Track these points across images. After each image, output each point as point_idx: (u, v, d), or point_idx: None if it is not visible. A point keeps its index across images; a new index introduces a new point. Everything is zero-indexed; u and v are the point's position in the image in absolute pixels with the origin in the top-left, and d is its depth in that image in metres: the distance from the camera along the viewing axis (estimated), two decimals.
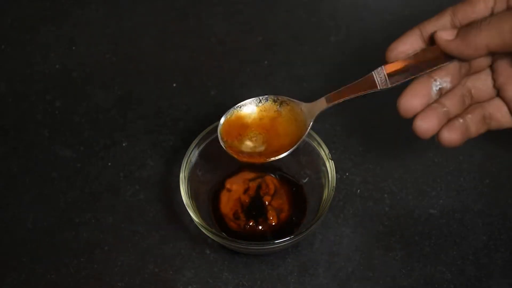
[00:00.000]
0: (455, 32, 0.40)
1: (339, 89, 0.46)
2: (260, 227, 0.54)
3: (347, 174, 0.60)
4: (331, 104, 0.46)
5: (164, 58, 0.70)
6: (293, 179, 0.58)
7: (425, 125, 0.41)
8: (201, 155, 0.56)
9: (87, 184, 0.60)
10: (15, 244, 0.56)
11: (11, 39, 0.72)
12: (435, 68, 0.42)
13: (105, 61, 0.69)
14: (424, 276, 0.54)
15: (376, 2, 0.75)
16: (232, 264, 0.55)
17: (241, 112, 0.50)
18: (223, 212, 0.56)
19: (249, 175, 0.58)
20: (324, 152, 0.54)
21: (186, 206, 0.52)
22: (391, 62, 0.44)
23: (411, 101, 0.41)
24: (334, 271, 0.54)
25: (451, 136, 0.41)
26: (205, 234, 0.52)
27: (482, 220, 0.57)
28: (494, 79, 0.43)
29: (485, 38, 0.38)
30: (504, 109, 0.43)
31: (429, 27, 0.43)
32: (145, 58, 0.70)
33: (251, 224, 0.54)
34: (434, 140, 0.63)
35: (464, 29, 0.39)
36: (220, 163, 0.58)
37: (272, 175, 0.58)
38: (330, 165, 0.53)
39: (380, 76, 0.44)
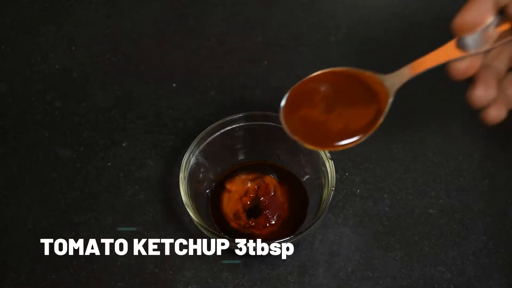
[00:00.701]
0: None
1: (422, 57, 0.41)
2: (260, 227, 0.54)
3: (347, 174, 0.60)
4: (414, 75, 0.42)
5: (164, 58, 0.70)
6: (293, 179, 0.58)
7: (486, 95, 0.39)
8: (201, 155, 0.56)
9: (87, 184, 0.60)
10: (15, 244, 0.56)
11: (11, 39, 0.72)
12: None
13: (105, 61, 0.69)
14: (424, 276, 0.54)
15: (376, 2, 0.75)
16: (232, 264, 0.55)
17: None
18: (223, 212, 0.56)
19: (249, 175, 0.58)
20: (324, 152, 0.54)
21: (186, 206, 0.52)
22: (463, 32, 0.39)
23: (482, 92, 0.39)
24: (334, 271, 0.54)
25: (498, 114, 0.40)
26: (205, 235, 0.52)
27: (482, 220, 0.57)
28: None
29: None
30: None
31: None
32: (145, 58, 0.70)
33: (251, 224, 0.54)
34: (433, 139, 0.63)
35: None
36: (220, 163, 0.58)
37: (272, 175, 0.58)
38: (330, 165, 0.53)
39: (468, 39, 0.40)
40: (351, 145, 0.44)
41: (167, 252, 0.56)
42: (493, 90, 0.39)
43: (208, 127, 0.56)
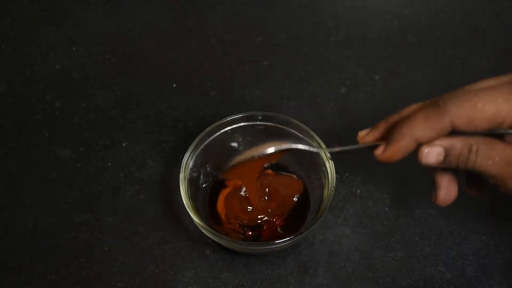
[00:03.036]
0: (442, 154, 0.40)
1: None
2: (260, 228, 0.54)
3: (347, 174, 0.60)
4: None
5: (164, 58, 0.70)
6: (294, 179, 0.57)
7: (450, 197, 0.43)
8: (201, 156, 0.56)
9: (87, 184, 0.60)
10: (15, 244, 0.56)
11: (11, 39, 0.72)
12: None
13: (105, 61, 0.69)
14: (424, 276, 0.54)
15: (375, 2, 0.75)
16: (232, 264, 0.55)
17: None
18: (223, 213, 0.56)
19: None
20: (324, 152, 0.54)
21: (186, 207, 0.52)
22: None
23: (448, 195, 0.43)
24: (334, 271, 0.54)
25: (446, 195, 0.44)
26: (205, 235, 0.52)
27: (482, 220, 0.57)
28: None
29: (479, 165, 0.39)
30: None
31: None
32: (145, 58, 0.70)
33: (248, 233, 0.54)
34: None
35: (452, 152, 0.40)
36: (220, 164, 0.58)
37: (272, 175, 0.57)
38: (330, 165, 0.53)
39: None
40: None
41: (167, 252, 0.56)
42: (454, 191, 0.43)
43: (208, 127, 0.56)
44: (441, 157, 0.40)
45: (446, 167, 0.40)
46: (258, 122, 0.57)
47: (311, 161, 0.55)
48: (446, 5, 0.74)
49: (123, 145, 0.63)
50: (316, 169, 0.55)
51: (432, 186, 0.44)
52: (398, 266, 0.55)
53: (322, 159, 0.54)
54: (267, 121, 0.57)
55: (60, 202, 0.59)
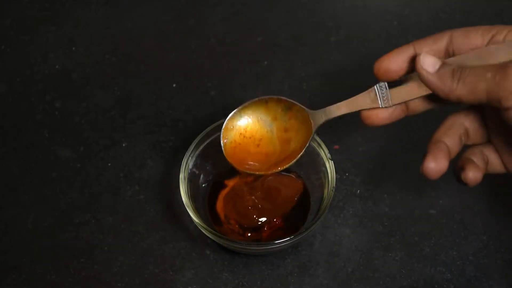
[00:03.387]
0: (438, 63, 0.39)
1: (339, 103, 0.45)
2: (261, 228, 0.54)
3: (347, 174, 0.60)
4: (331, 118, 0.46)
5: (164, 58, 0.70)
6: (294, 179, 0.57)
7: (436, 167, 0.42)
8: (201, 156, 0.56)
9: (87, 184, 0.60)
10: (15, 244, 0.56)
11: (11, 39, 0.72)
12: (416, 97, 0.42)
13: (105, 62, 0.69)
14: (424, 276, 0.54)
15: (375, 2, 0.75)
16: (232, 264, 0.55)
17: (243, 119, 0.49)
18: (222, 213, 0.56)
19: (249, 175, 0.57)
20: (324, 152, 0.54)
21: (186, 207, 0.52)
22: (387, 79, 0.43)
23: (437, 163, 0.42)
24: (334, 272, 0.54)
25: (475, 176, 0.42)
26: (205, 235, 0.52)
27: (482, 220, 0.57)
28: (486, 124, 0.43)
29: (460, 90, 0.38)
30: (495, 155, 0.43)
31: (424, 47, 0.42)
32: (145, 58, 0.70)
33: (248, 235, 0.54)
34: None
35: (446, 67, 0.39)
36: (220, 163, 0.58)
37: (272, 175, 0.57)
38: (330, 166, 0.53)
39: (382, 92, 0.43)
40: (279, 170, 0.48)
41: (167, 252, 0.56)
42: (444, 162, 0.41)
43: (208, 127, 0.56)
44: (437, 66, 0.39)
45: (437, 85, 0.39)
46: None
47: (311, 161, 0.55)
48: (446, 5, 0.74)
49: (123, 145, 0.63)
50: (316, 169, 0.55)
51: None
52: (398, 266, 0.55)
53: (322, 159, 0.54)
54: None
55: (60, 202, 0.59)
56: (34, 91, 0.67)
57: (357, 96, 0.44)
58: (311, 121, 0.46)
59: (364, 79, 0.67)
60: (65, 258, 0.55)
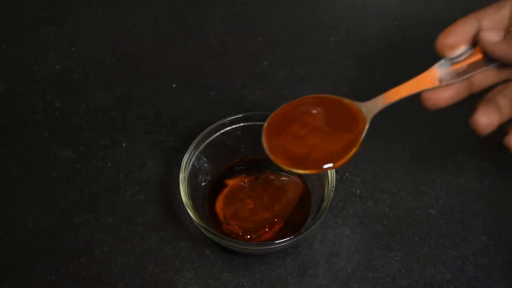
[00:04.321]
0: (501, 34, 0.38)
1: (398, 87, 0.43)
2: (261, 230, 0.54)
3: (347, 174, 0.60)
4: (389, 103, 0.43)
5: (164, 59, 0.70)
6: (294, 179, 0.57)
7: (487, 121, 0.40)
8: (200, 156, 0.56)
9: (87, 184, 0.60)
10: (15, 244, 0.56)
11: (11, 39, 0.72)
12: (480, 71, 0.40)
13: (105, 62, 0.69)
14: (424, 276, 0.54)
15: (375, 2, 0.75)
16: (232, 264, 0.55)
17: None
18: (222, 213, 0.56)
19: (249, 176, 0.57)
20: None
21: (185, 207, 0.52)
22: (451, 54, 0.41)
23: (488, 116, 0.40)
24: (334, 272, 0.54)
25: None
26: (205, 235, 0.52)
27: (482, 220, 0.57)
28: None
29: None
30: None
31: (486, 17, 0.40)
32: (145, 59, 0.70)
33: (247, 237, 0.54)
34: (432, 139, 0.63)
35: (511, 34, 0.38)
36: (220, 163, 0.58)
37: (273, 175, 0.57)
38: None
39: (444, 70, 0.41)
40: (331, 168, 0.45)
41: (167, 252, 0.56)
42: (495, 118, 0.40)
43: (208, 128, 0.56)
44: (501, 35, 0.38)
45: (504, 52, 0.38)
46: (258, 122, 0.57)
47: None
48: (446, 5, 0.74)
49: (123, 145, 0.63)
50: None
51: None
52: (398, 266, 0.55)
53: None
54: None
55: (60, 202, 0.59)
56: (34, 91, 0.67)
57: (416, 77, 0.42)
58: (362, 114, 0.44)
59: (364, 79, 0.68)
60: (65, 258, 0.55)
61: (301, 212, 0.55)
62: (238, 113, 0.56)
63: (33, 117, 0.65)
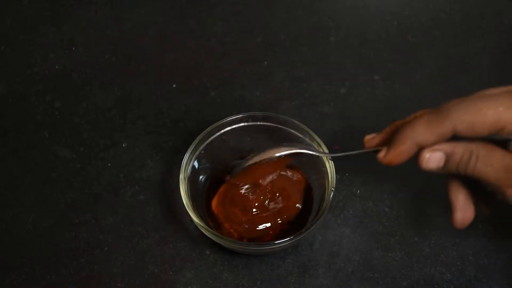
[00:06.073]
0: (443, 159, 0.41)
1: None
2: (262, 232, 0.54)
3: (347, 174, 0.60)
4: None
5: (164, 59, 0.70)
6: (296, 180, 0.57)
7: (467, 219, 0.44)
8: (200, 156, 0.56)
9: (87, 184, 0.60)
10: (15, 244, 0.56)
11: (11, 39, 0.72)
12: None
13: (105, 62, 0.69)
14: (423, 276, 0.54)
15: (375, 2, 0.75)
16: (232, 264, 0.55)
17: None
18: (222, 213, 0.56)
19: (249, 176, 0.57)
20: (324, 152, 0.54)
21: (186, 207, 0.52)
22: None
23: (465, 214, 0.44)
24: (334, 272, 0.54)
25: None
26: (205, 235, 0.52)
27: (482, 221, 0.57)
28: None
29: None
30: None
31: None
32: (145, 59, 0.70)
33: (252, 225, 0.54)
34: None
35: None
36: (220, 163, 0.58)
37: (273, 176, 0.57)
38: (330, 166, 0.53)
39: None
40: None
41: (167, 252, 0.56)
42: (470, 212, 0.44)
43: (208, 128, 0.56)
44: (441, 163, 0.40)
45: (446, 172, 0.41)
46: (258, 122, 0.57)
47: (311, 161, 0.55)
48: (446, 5, 0.74)
49: (123, 145, 0.63)
50: (316, 169, 0.55)
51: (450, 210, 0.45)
52: (398, 266, 0.55)
53: (322, 159, 0.54)
54: (267, 121, 0.57)
55: (60, 202, 0.59)
56: (34, 91, 0.67)
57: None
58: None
59: (364, 79, 0.68)
60: (65, 258, 0.55)
61: (301, 212, 0.55)
62: (238, 113, 0.56)
63: (33, 117, 0.65)
